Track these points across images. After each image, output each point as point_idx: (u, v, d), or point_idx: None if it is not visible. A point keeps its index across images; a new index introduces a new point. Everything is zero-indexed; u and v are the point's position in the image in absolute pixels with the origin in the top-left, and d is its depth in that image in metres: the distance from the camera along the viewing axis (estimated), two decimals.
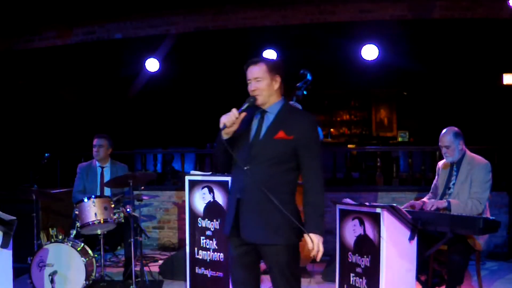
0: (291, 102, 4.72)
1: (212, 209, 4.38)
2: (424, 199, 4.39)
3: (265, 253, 2.73)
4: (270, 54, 7.07)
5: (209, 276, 4.36)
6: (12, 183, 6.56)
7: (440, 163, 4.42)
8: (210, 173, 4.67)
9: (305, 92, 4.76)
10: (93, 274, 4.48)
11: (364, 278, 3.68)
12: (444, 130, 4.17)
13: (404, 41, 7.25)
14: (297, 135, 2.69)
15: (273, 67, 2.78)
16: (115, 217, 4.63)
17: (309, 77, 4.74)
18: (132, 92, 8.57)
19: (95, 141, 5.28)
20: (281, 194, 2.66)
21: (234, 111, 2.65)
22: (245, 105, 2.70)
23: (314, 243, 2.62)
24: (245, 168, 2.68)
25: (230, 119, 2.63)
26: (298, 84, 4.75)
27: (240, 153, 2.74)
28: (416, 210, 4.07)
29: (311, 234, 2.63)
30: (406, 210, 3.71)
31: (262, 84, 2.74)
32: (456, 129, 4.14)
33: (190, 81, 9.47)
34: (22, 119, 7.71)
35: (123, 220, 4.71)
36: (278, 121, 2.75)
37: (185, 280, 4.55)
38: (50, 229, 4.51)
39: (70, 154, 7.45)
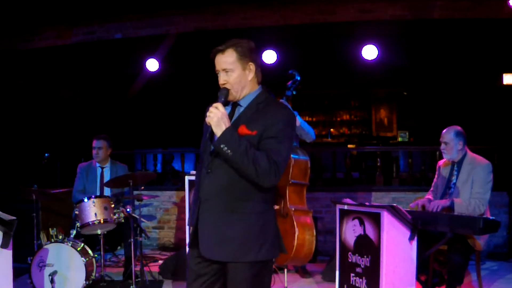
0: (281, 101, 4.71)
1: None
2: (429, 196, 4.38)
3: (229, 270, 2.31)
4: (270, 54, 7.08)
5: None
6: (12, 183, 6.56)
7: (441, 162, 4.43)
8: None
9: (294, 92, 4.77)
10: (93, 274, 4.48)
11: (364, 278, 3.68)
12: (446, 128, 4.19)
13: (404, 41, 7.25)
14: (261, 130, 2.24)
15: (245, 53, 2.31)
16: (115, 217, 4.63)
17: (297, 77, 4.75)
18: (132, 92, 8.58)
19: (94, 143, 5.27)
20: (250, 202, 2.26)
21: (218, 105, 2.23)
22: (221, 99, 2.28)
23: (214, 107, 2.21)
24: (208, 171, 2.30)
25: (214, 117, 2.21)
26: (288, 84, 4.75)
27: (205, 155, 2.36)
28: (425, 209, 4.06)
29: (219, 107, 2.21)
30: (406, 210, 3.71)
31: (232, 76, 2.29)
32: (459, 128, 4.15)
33: (190, 81, 9.47)
34: (22, 119, 7.71)
35: (123, 220, 4.71)
36: (243, 115, 2.32)
37: (186, 280, 4.54)
38: (50, 229, 4.51)
39: (70, 154, 7.46)
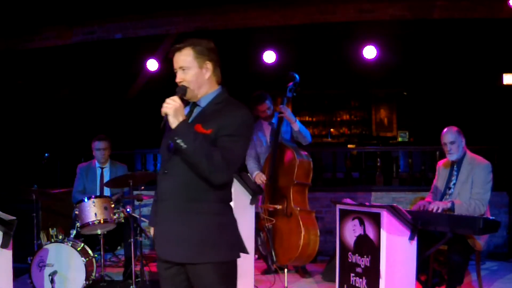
0: (281, 106, 4.75)
1: None
2: (429, 199, 4.38)
3: (189, 273, 2.27)
4: (270, 54, 7.08)
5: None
6: (12, 183, 6.56)
7: (440, 163, 4.42)
8: None
9: (295, 94, 4.80)
10: (93, 274, 4.48)
11: (364, 278, 3.68)
12: (445, 129, 4.18)
13: (404, 41, 7.26)
14: (216, 129, 2.21)
15: (203, 52, 2.31)
16: (115, 217, 4.63)
17: (297, 79, 4.79)
18: (132, 92, 8.58)
19: (97, 145, 5.22)
20: (206, 203, 2.23)
21: (175, 98, 2.21)
22: (178, 95, 2.27)
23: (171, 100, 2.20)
24: (165, 172, 2.29)
25: (172, 107, 2.18)
26: (288, 86, 4.78)
27: (163, 155, 2.35)
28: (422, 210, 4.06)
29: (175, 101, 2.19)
30: (406, 210, 3.71)
31: (189, 74, 2.29)
32: (457, 127, 4.16)
33: None
34: (22, 119, 7.71)
35: (123, 220, 4.71)
36: (201, 115, 2.32)
37: None
38: (50, 229, 4.51)
39: (70, 154, 7.46)
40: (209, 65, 2.32)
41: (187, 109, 2.36)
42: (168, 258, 2.27)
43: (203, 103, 2.34)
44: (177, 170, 2.25)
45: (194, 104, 2.36)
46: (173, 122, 2.16)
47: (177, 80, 2.31)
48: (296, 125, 4.80)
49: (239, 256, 2.32)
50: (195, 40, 2.35)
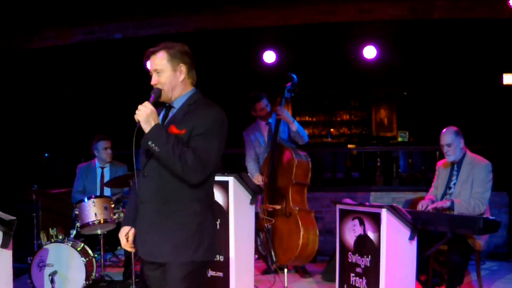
0: (278, 108, 4.77)
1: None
2: (431, 197, 4.37)
3: (166, 272, 2.32)
4: (270, 54, 7.08)
5: (208, 276, 4.35)
6: (12, 183, 6.56)
7: (440, 163, 4.43)
8: None
9: (293, 94, 4.83)
10: (93, 274, 4.47)
11: (364, 278, 3.68)
12: (444, 130, 4.18)
13: (404, 41, 7.25)
14: (190, 129, 2.28)
15: (176, 55, 2.38)
16: (115, 217, 4.63)
17: (296, 79, 4.81)
18: (133, 92, 8.56)
19: (103, 144, 5.18)
20: (183, 203, 2.29)
21: (146, 104, 2.28)
22: (153, 97, 2.34)
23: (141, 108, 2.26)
24: (144, 175, 2.36)
25: (143, 113, 2.25)
26: (287, 86, 4.80)
27: (141, 158, 2.41)
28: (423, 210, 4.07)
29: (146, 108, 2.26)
30: (406, 210, 3.71)
31: (163, 76, 2.36)
32: (456, 128, 4.16)
33: None
34: (22, 119, 7.71)
35: None
36: (175, 116, 2.39)
37: None
38: (50, 229, 4.51)
39: (70, 154, 7.46)
40: (183, 67, 2.39)
41: (162, 112, 2.45)
42: (150, 259, 2.35)
43: (177, 105, 2.41)
44: (154, 173, 2.31)
45: (169, 107, 2.43)
46: (146, 128, 2.24)
47: (152, 82, 2.39)
48: (294, 126, 4.83)
49: (214, 258, 2.41)
50: (168, 43, 2.42)
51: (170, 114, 2.42)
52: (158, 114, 2.38)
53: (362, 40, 6.80)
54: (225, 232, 3.95)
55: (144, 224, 2.35)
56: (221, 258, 4.28)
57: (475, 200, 3.96)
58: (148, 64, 2.42)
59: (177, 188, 2.28)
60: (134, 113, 2.31)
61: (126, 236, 2.45)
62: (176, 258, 2.27)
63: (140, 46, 7.27)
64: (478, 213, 3.92)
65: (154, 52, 2.39)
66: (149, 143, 2.22)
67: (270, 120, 5.06)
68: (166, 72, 2.37)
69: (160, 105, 2.44)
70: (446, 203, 3.97)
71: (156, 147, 2.20)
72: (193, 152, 2.22)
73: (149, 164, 2.34)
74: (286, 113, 4.82)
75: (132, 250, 2.48)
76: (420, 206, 4.15)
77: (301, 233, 4.38)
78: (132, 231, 2.45)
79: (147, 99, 2.33)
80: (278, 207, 4.52)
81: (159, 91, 2.36)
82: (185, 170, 2.20)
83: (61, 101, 8.55)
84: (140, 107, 2.27)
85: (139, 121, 2.27)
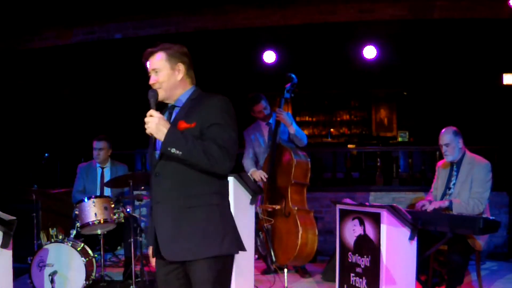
0: (278, 109, 4.78)
1: None
2: (430, 197, 4.38)
3: (189, 271, 2.26)
4: (270, 54, 7.08)
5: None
6: (12, 183, 6.56)
7: (440, 163, 4.43)
8: None
9: (292, 95, 4.83)
10: (93, 274, 4.48)
11: (364, 278, 3.68)
12: (443, 130, 4.19)
13: (404, 41, 7.25)
14: (200, 120, 2.25)
15: (173, 55, 2.39)
16: (115, 217, 4.63)
17: (295, 80, 4.82)
18: (133, 92, 8.57)
19: (95, 144, 5.26)
20: (203, 196, 2.25)
21: (151, 112, 2.23)
22: (152, 101, 2.30)
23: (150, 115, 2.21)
24: (156, 175, 2.31)
25: (152, 125, 2.19)
26: (286, 87, 4.80)
27: (152, 162, 2.37)
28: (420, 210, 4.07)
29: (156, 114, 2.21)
30: (406, 210, 3.71)
31: (161, 76, 2.36)
32: (455, 128, 4.16)
33: None
34: (22, 119, 7.71)
35: (123, 220, 4.71)
36: (180, 113, 2.37)
37: None
38: (50, 229, 4.51)
39: (70, 154, 7.46)
40: (181, 67, 2.39)
41: (166, 113, 2.42)
42: (174, 259, 2.25)
43: (179, 103, 2.40)
44: (166, 171, 2.27)
45: (172, 106, 2.42)
46: (160, 137, 2.19)
47: (150, 82, 2.38)
48: (293, 128, 4.83)
49: (238, 252, 2.32)
50: (166, 44, 2.43)
51: (174, 113, 2.40)
52: (163, 114, 2.35)
53: (362, 40, 6.81)
54: None
55: (163, 225, 2.27)
56: None
57: (473, 200, 3.96)
58: (148, 65, 2.42)
59: (194, 182, 2.24)
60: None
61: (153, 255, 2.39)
62: (203, 254, 2.21)
63: (140, 46, 7.28)
64: (477, 213, 3.92)
65: (152, 53, 2.40)
66: (169, 149, 2.16)
67: (270, 121, 5.06)
68: (164, 70, 2.36)
69: (164, 107, 2.43)
70: (445, 203, 3.97)
71: (177, 151, 2.15)
72: (215, 143, 2.18)
73: (160, 164, 2.29)
74: (285, 115, 4.82)
75: None
76: (418, 206, 4.16)
77: (300, 233, 4.38)
78: None
79: (147, 100, 2.32)
80: (277, 207, 4.53)
81: (155, 93, 2.33)
82: (213, 164, 2.17)
83: (61, 101, 8.55)
84: (146, 120, 2.22)
85: (151, 134, 2.22)
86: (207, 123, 2.24)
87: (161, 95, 2.36)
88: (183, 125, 2.26)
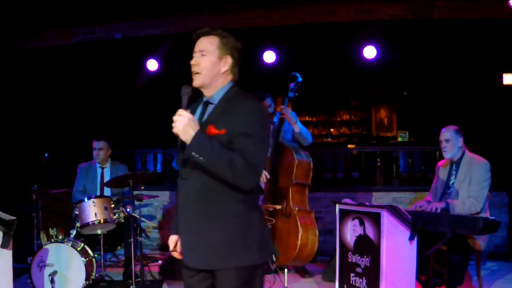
0: (282, 107, 4.76)
1: None
2: (428, 198, 4.38)
3: (214, 277, 2.20)
4: (270, 54, 7.07)
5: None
6: (12, 183, 6.56)
7: (440, 164, 4.44)
8: None
9: (296, 94, 4.81)
10: (93, 274, 4.48)
11: (364, 278, 3.68)
12: (444, 128, 4.22)
13: (404, 41, 7.25)
14: (230, 126, 2.11)
15: (226, 45, 2.24)
16: (115, 217, 4.63)
17: (300, 78, 4.79)
18: (133, 92, 8.58)
19: (95, 144, 5.27)
20: (227, 205, 2.14)
21: (181, 112, 2.09)
22: (184, 99, 2.16)
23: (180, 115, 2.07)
24: (183, 178, 2.21)
25: (180, 126, 2.07)
26: (290, 86, 4.78)
27: (178, 159, 2.26)
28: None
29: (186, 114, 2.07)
30: (406, 210, 3.71)
31: (206, 59, 2.20)
32: (456, 127, 4.19)
33: (189, 81, 9.47)
34: (22, 119, 7.71)
35: (123, 220, 4.71)
36: (213, 113, 2.21)
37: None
38: (50, 229, 4.51)
39: (70, 154, 7.46)
40: (229, 59, 2.25)
41: (200, 108, 2.29)
42: (197, 266, 2.20)
43: (214, 100, 2.24)
44: (193, 175, 2.16)
45: (207, 103, 2.26)
46: (186, 139, 2.06)
47: (192, 62, 2.23)
48: (297, 127, 4.79)
49: (267, 259, 2.24)
50: (225, 32, 2.28)
51: (207, 110, 2.24)
52: (195, 111, 2.26)
53: (362, 40, 6.80)
54: None
55: (187, 230, 2.21)
56: None
57: (470, 199, 3.96)
58: (195, 46, 2.25)
59: (220, 190, 2.12)
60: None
61: (174, 245, 2.37)
62: (225, 264, 2.14)
63: (140, 46, 7.32)
64: (474, 212, 3.92)
65: (207, 33, 2.24)
66: (193, 154, 2.04)
67: (274, 120, 5.05)
68: (211, 56, 2.20)
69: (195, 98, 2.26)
70: (441, 205, 3.97)
71: (202, 158, 2.03)
72: (242, 156, 2.05)
73: (188, 167, 2.18)
74: (289, 112, 4.78)
75: (180, 257, 2.35)
76: (416, 207, 4.16)
77: (300, 233, 4.36)
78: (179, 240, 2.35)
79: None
80: (278, 207, 4.52)
81: (189, 90, 2.17)
82: (236, 177, 2.05)
83: (61, 101, 8.55)
84: (175, 118, 2.07)
85: (177, 134, 2.09)
86: (237, 131, 2.10)
87: (198, 82, 2.22)
88: (212, 130, 2.12)
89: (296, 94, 4.82)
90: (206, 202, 2.15)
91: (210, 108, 2.25)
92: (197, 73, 2.21)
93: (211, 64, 2.20)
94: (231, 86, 2.27)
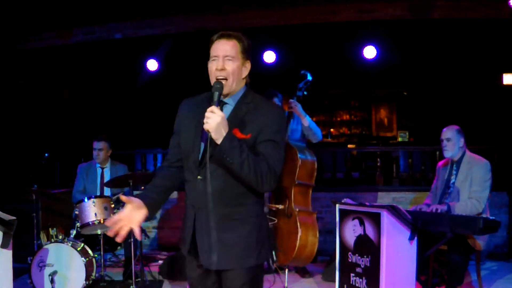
0: (291, 100, 4.73)
1: None
2: (428, 201, 4.38)
3: (222, 276, 2.24)
4: (270, 54, 7.07)
5: None
6: (12, 183, 6.56)
7: (440, 164, 4.44)
8: None
9: (305, 93, 4.77)
10: (93, 274, 4.48)
11: (364, 278, 3.68)
12: (446, 127, 4.22)
13: (404, 41, 7.25)
14: (255, 133, 2.14)
15: (246, 50, 2.23)
16: None
17: (309, 77, 4.75)
18: (133, 92, 8.57)
19: (95, 144, 5.26)
20: (246, 206, 2.19)
21: (214, 109, 2.06)
22: (216, 95, 2.11)
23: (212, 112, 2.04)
24: (198, 177, 2.18)
25: (213, 123, 2.05)
26: (299, 85, 4.75)
27: (192, 158, 2.22)
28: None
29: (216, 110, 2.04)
30: (406, 210, 3.71)
31: (232, 65, 2.17)
32: (458, 127, 4.20)
33: (189, 81, 9.46)
34: (22, 119, 7.71)
35: None
36: (234, 116, 2.19)
37: (186, 280, 4.54)
38: (50, 229, 4.51)
39: (70, 154, 7.46)
40: (248, 65, 2.26)
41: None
42: (214, 267, 2.19)
43: (231, 102, 2.23)
44: (214, 177, 2.12)
45: (221, 103, 2.21)
46: (217, 138, 2.04)
47: (219, 67, 2.17)
48: (306, 121, 4.72)
49: (267, 259, 2.33)
50: (242, 35, 2.25)
51: (225, 112, 2.17)
52: (202, 107, 2.20)
53: (362, 40, 6.80)
54: None
55: (204, 232, 2.18)
56: None
57: (471, 200, 3.96)
58: (218, 48, 2.20)
59: (241, 192, 2.16)
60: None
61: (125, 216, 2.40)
62: (240, 264, 2.18)
63: (140, 46, 7.32)
64: (476, 213, 3.92)
65: (229, 37, 2.21)
66: (225, 156, 2.04)
67: None
68: (237, 62, 2.19)
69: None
70: (443, 208, 3.96)
71: (230, 160, 2.04)
72: (265, 162, 2.11)
73: (207, 166, 2.11)
74: (299, 106, 4.74)
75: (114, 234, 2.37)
76: (414, 210, 4.15)
77: (299, 234, 4.33)
78: (141, 215, 2.37)
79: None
80: (280, 207, 4.50)
81: (221, 85, 2.12)
82: (259, 182, 2.10)
83: (61, 101, 8.55)
84: (208, 114, 2.04)
85: (208, 131, 2.05)
86: (262, 137, 2.14)
87: (227, 88, 2.17)
88: (238, 134, 2.11)
89: (305, 93, 4.78)
90: (226, 204, 2.16)
91: (228, 108, 2.23)
92: (224, 78, 2.17)
93: (237, 70, 2.20)
94: (247, 89, 2.29)
